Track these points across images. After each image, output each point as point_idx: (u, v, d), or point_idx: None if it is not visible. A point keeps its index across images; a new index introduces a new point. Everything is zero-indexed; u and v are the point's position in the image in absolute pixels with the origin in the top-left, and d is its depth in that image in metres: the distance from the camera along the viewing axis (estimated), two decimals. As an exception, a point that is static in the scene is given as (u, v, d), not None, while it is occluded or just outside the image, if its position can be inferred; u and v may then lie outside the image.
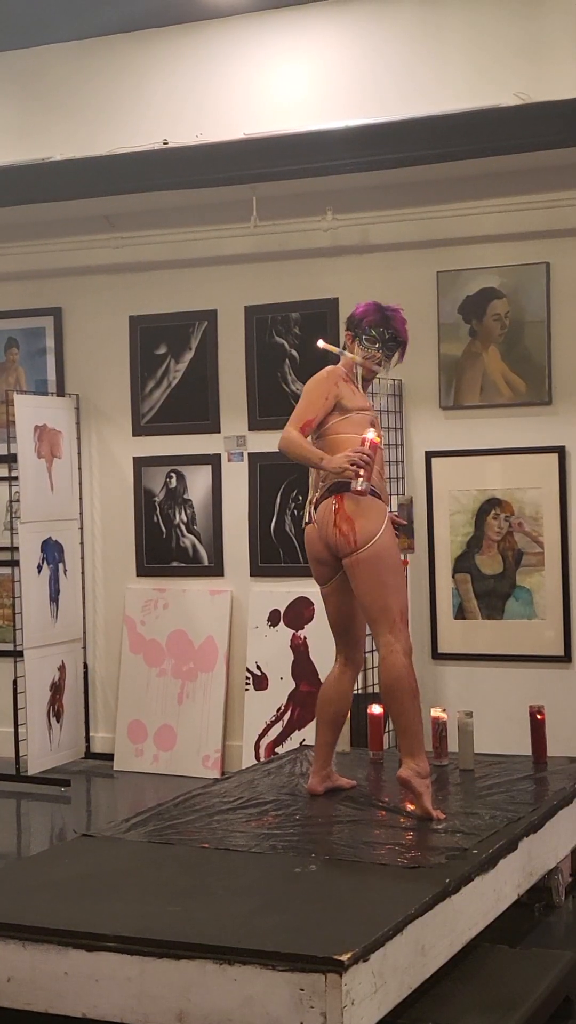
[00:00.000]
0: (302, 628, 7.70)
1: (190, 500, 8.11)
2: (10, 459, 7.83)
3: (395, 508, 6.71)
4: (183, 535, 8.13)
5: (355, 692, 6.90)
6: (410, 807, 4.89)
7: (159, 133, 7.51)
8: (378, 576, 4.98)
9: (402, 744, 4.99)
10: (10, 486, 7.98)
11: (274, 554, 7.88)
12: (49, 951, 3.65)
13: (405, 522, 5.65)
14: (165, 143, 7.43)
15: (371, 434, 4.99)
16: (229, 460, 8.02)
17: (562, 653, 7.21)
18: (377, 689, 7.15)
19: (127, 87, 7.77)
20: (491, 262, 7.38)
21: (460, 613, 7.44)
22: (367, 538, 4.98)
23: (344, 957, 3.38)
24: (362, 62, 7.23)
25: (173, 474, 8.16)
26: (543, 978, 4.11)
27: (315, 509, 5.15)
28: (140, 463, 8.25)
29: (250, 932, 3.60)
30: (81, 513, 8.32)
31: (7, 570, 8.14)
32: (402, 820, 4.82)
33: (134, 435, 8.27)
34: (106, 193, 7.62)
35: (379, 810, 4.97)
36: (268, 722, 7.70)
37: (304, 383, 7.63)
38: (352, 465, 4.91)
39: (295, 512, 7.79)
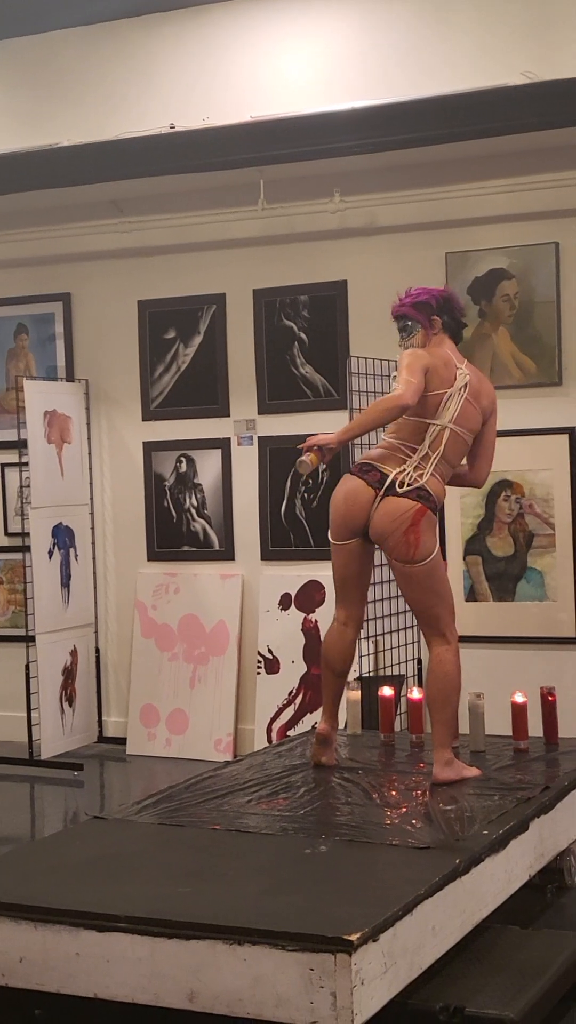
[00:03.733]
0: (313, 611, 7.70)
1: (200, 484, 8.11)
2: (20, 445, 7.84)
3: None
4: (193, 519, 8.14)
5: (367, 675, 6.96)
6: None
7: (166, 117, 7.49)
8: (429, 587, 5.17)
9: (436, 733, 5.15)
10: (20, 471, 7.98)
11: (285, 538, 7.88)
12: (61, 932, 3.66)
13: None
14: (172, 127, 7.41)
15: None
16: (239, 444, 8.02)
17: (574, 635, 7.20)
18: (390, 672, 7.19)
19: (134, 72, 7.75)
20: (500, 243, 7.35)
21: (471, 595, 7.43)
22: (425, 554, 5.08)
23: (354, 937, 3.39)
24: (368, 43, 7.21)
25: (183, 458, 8.16)
26: (555, 959, 4.11)
27: (382, 484, 5.10)
28: (150, 448, 8.25)
29: (260, 912, 3.61)
30: (91, 498, 8.33)
31: (18, 556, 8.15)
32: (412, 801, 4.82)
33: (144, 420, 8.27)
34: (114, 178, 7.60)
35: (389, 791, 4.98)
36: (280, 705, 7.71)
37: (313, 366, 7.76)
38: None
39: (305, 496, 7.79)
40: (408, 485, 5.08)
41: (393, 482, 5.09)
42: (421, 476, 5.11)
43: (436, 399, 5.21)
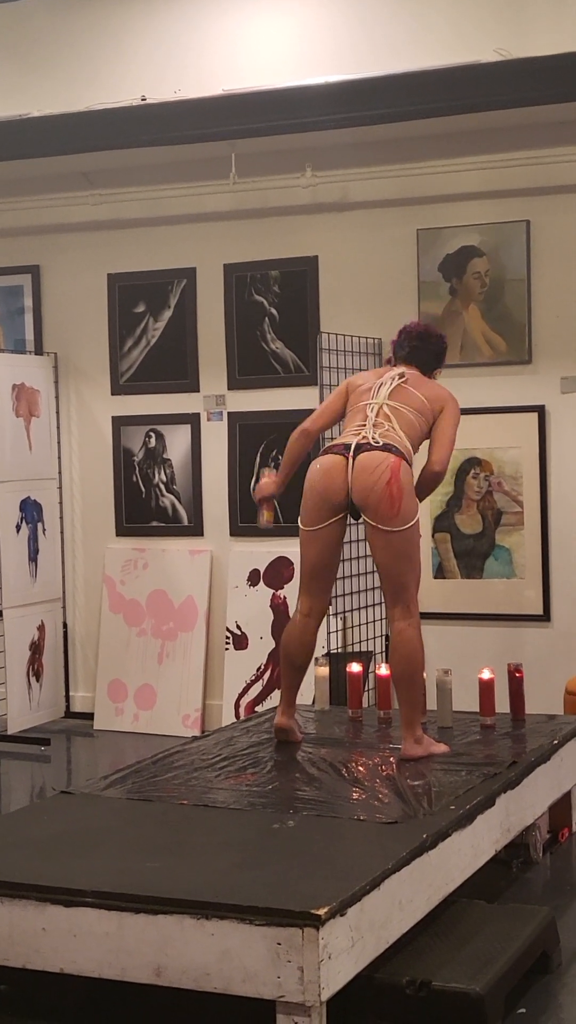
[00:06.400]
0: (282, 588, 7.70)
1: (169, 459, 8.09)
2: (-12, 418, 7.79)
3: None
4: (162, 495, 8.12)
5: (336, 651, 6.96)
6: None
7: (138, 89, 7.42)
8: (407, 553, 5.13)
9: (403, 712, 5.15)
10: (-12, 445, 7.94)
11: (254, 514, 7.83)
12: (27, 907, 3.66)
13: None
14: (143, 99, 7.36)
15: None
16: (208, 419, 7.99)
17: (541, 612, 7.23)
18: (358, 648, 7.20)
19: (105, 43, 7.68)
20: (471, 220, 7.34)
21: (440, 572, 7.45)
22: (408, 517, 5.07)
23: (321, 912, 3.40)
24: (341, 18, 7.16)
25: (152, 433, 8.13)
26: (520, 933, 4.14)
27: (353, 450, 5.12)
28: (119, 422, 8.21)
29: (228, 887, 3.62)
30: (60, 472, 8.29)
31: (-14, 530, 8.11)
32: (380, 777, 4.83)
33: (113, 394, 8.23)
34: (84, 150, 7.54)
35: (357, 767, 4.99)
36: (248, 681, 7.71)
37: (284, 341, 7.74)
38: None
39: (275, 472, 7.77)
40: (375, 441, 5.12)
41: (360, 444, 5.13)
42: (384, 436, 5.15)
43: (366, 395, 5.37)
